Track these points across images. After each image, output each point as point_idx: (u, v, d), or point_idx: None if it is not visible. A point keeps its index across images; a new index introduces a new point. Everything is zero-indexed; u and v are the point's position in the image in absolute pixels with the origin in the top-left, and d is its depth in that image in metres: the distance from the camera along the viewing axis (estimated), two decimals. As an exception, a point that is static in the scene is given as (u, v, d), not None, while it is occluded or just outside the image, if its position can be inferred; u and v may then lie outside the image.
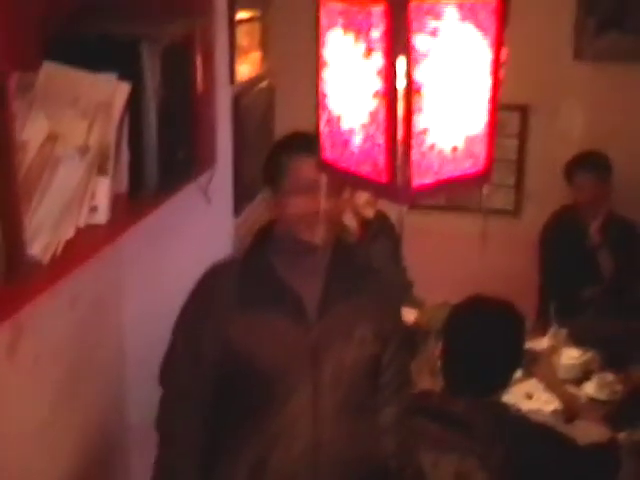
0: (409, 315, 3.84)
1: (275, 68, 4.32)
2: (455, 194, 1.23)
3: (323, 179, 1.90)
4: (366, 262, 2.23)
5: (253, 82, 3.91)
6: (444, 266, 4.46)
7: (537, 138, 4.58)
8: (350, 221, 3.70)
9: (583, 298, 3.93)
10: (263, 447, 2.05)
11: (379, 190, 1.27)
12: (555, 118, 4.49)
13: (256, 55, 4.04)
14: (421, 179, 1.25)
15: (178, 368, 2.13)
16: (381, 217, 3.88)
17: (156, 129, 2.12)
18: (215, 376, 2.09)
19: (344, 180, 1.87)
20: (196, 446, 2.13)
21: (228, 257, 2.14)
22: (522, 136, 4.59)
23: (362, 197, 3.66)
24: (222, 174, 2.49)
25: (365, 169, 1.28)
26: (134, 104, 2.05)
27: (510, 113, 4.53)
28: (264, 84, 4.18)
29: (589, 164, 3.97)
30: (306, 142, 1.98)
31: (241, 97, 3.48)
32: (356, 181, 1.31)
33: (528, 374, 3.31)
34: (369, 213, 3.74)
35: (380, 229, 3.87)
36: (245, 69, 3.76)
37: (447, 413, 2.43)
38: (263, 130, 3.98)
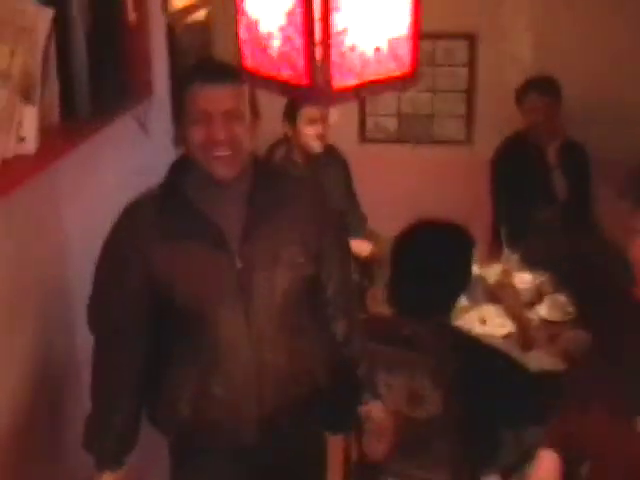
0: (364, 248, 3.85)
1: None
2: (379, 94, 1.19)
3: (218, 108, 1.89)
4: (295, 187, 2.18)
5: (188, 11, 3.78)
6: (398, 198, 4.45)
7: (487, 66, 4.54)
8: (297, 156, 3.65)
9: (536, 220, 3.95)
10: (203, 377, 2.04)
11: (300, 94, 1.24)
12: (504, 44, 4.46)
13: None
14: (342, 80, 1.23)
15: (107, 306, 2.08)
16: (330, 150, 3.82)
17: (85, 57, 2.07)
18: (148, 311, 2.05)
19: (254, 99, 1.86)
20: (135, 384, 2.10)
21: (147, 192, 2.06)
22: (471, 65, 4.55)
23: (310, 132, 3.60)
24: (160, 104, 2.44)
25: (285, 73, 1.25)
26: (60, 31, 1.99)
27: (458, 42, 4.49)
28: (201, 14, 4.06)
29: (539, 87, 3.98)
30: (206, 70, 1.97)
31: (176, 26, 3.36)
32: (277, 86, 1.28)
33: (487, 299, 3.34)
34: (316, 147, 3.66)
35: (329, 161, 3.81)
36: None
37: (397, 335, 2.44)
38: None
